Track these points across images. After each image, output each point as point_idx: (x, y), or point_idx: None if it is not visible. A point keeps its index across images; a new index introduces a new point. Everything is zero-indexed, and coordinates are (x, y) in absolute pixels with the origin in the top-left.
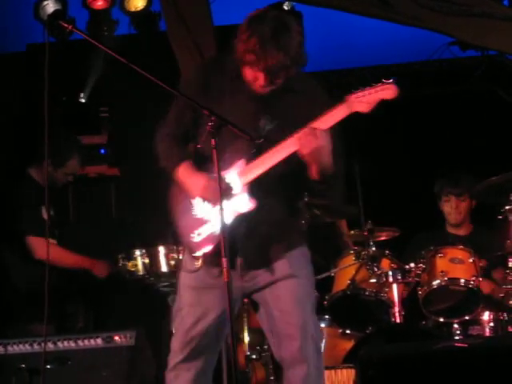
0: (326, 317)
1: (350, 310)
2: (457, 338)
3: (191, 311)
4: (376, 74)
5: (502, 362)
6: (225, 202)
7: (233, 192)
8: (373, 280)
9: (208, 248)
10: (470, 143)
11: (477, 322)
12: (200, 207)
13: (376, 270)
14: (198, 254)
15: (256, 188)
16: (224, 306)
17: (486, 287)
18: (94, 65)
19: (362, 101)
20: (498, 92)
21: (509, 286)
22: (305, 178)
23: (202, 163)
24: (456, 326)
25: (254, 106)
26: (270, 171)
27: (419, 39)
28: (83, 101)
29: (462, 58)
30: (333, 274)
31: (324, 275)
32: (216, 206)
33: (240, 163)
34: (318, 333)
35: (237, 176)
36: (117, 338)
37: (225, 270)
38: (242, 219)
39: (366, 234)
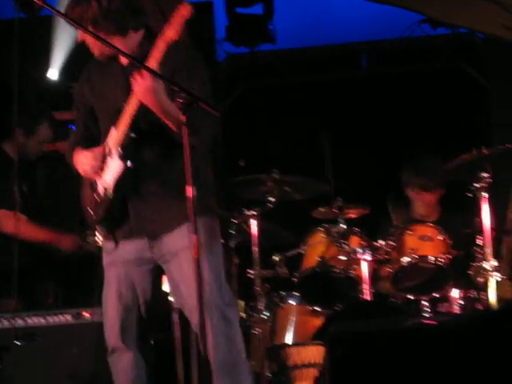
0: (296, 294)
1: (319, 287)
2: (426, 315)
3: (109, 290)
4: (347, 51)
5: (470, 339)
6: (105, 171)
7: (109, 158)
8: (342, 257)
9: (100, 221)
10: (439, 121)
11: (446, 299)
12: (92, 184)
13: (345, 247)
14: (97, 228)
15: (129, 150)
16: (139, 281)
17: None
18: (64, 40)
19: (171, 28)
20: (468, 70)
21: (478, 263)
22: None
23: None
24: (425, 303)
25: (123, 79)
26: (134, 131)
27: (390, 17)
28: (53, 77)
29: (432, 36)
30: (302, 251)
31: (293, 252)
32: (99, 176)
33: (111, 131)
34: (225, 301)
35: (108, 143)
36: (86, 314)
37: (194, 246)
38: (128, 186)
39: (335, 211)
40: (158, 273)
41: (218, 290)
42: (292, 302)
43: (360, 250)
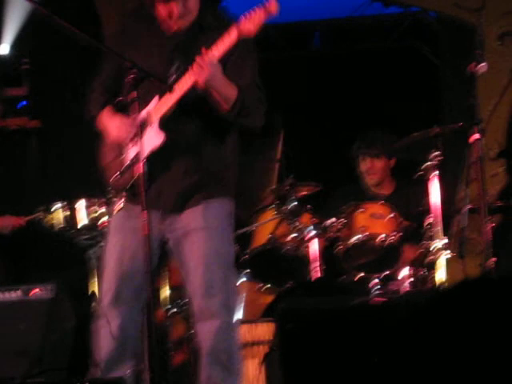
0: (246, 271)
1: (269, 264)
2: (376, 293)
3: (113, 254)
4: (299, 29)
5: (419, 317)
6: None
7: (146, 128)
8: (293, 235)
9: (127, 186)
10: (391, 99)
11: (396, 277)
12: (120, 148)
13: (296, 224)
14: (121, 193)
15: (168, 123)
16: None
17: (410, 253)
18: (16, 15)
19: (249, 23)
20: (420, 49)
21: (428, 242)
22: (216, 114)
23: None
24: (375, 281)
25: (169, 48)
26: (180, 107)
27: None
28: (4, 52)
29: (385, 15)
30: (253, 229)
31: (244, 230)
32: (132, 145)
33: (154, 100)
34: (229, 287)
35: (150, 113)
36: (36, 290)
37: (144, 222)
38: (158, 157)
39: (286, 188)
40: (163, 246)
41: (223, 276)
42: (243, 278)
43: (311, 228)
